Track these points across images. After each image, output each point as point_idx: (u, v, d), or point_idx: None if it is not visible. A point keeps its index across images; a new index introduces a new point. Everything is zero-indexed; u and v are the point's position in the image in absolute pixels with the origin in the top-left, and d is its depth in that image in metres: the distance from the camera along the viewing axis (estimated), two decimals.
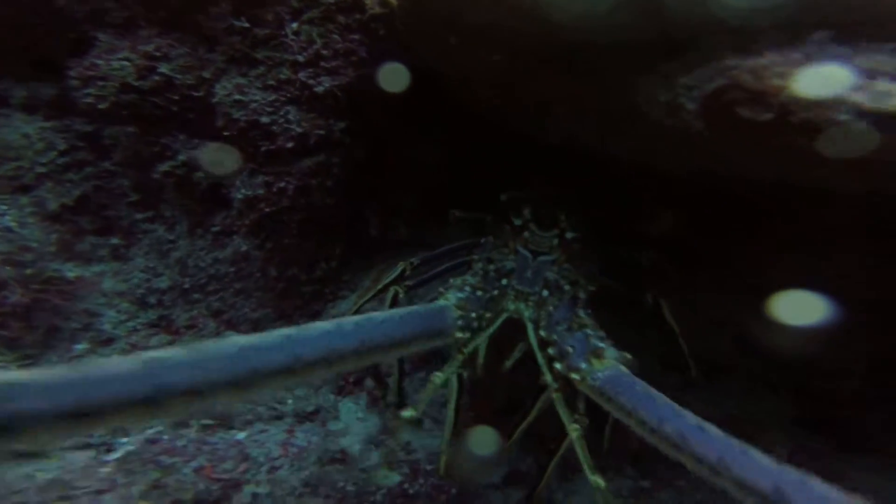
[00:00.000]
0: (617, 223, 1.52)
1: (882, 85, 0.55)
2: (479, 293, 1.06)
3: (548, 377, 0.99)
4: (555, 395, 0.99)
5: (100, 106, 1.49)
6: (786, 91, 0.59)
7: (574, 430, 0.94)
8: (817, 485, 0.55)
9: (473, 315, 1.01)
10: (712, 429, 0.65)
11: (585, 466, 0.93)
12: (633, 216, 1.47)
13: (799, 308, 1.05)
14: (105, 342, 1.64)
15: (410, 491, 1.39)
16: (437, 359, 1.81)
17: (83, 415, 0.44)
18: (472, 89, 1.43)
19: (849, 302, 0.96)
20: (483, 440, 1.32)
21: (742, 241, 1.34)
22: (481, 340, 1.05)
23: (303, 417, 1.61)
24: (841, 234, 1.11)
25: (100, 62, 1.47)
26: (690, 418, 0.68)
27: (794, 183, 0.83)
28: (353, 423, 1.70)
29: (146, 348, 1.67)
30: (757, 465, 0.59)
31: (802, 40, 0.60)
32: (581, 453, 0.93)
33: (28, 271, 1.47)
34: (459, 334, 0.97)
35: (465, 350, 1.01)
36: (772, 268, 1.26)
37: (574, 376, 0.89)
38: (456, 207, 1.88)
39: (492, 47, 1.16)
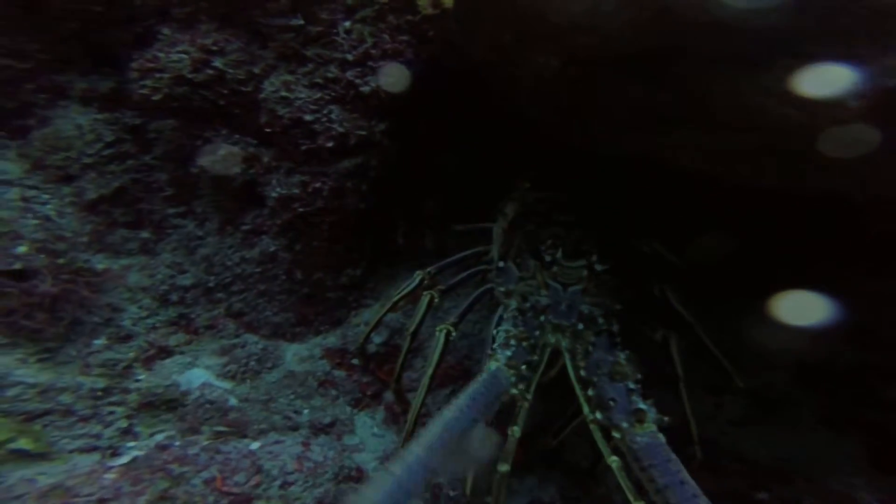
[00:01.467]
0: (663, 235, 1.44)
1: None
2: (524, 344, 1.09)
3: (585, 408, 1.00)
4: (592, 427, 0.98)
5: (153, 97, 1.51)
6: None
7: (613, 462, 0.93)
8: None
9: (524, 367, 1.05)
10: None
11: (629, 494, 0.91)
12: (690, 232, 1.38)
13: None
14: (123, 339, 1.59)
15: None
16: (463, 376, 1.72)
17: None
18: (516, 92, 1.39)
19: None
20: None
21: (814, 260, 1.22)
22: (535, 381, 1.07)
23: (318, 430, 1.52)
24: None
25: (160, 55, 1.50)
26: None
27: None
28: (369, 438, 1.60)
29: (163, 347, 1.62)
30: None
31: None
32: (623, 481, 0.91)
33: (60, 261, 1.45)
34: (514, 391, 1.01)
35: (528, 398, 1.04)
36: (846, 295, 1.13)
37: (615, 434, 0.92)
38: (481, 213, 1.84)
39: (547, 46, 1.12)
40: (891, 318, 1.14)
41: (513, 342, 1.07)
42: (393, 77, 1.52)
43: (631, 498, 0.90)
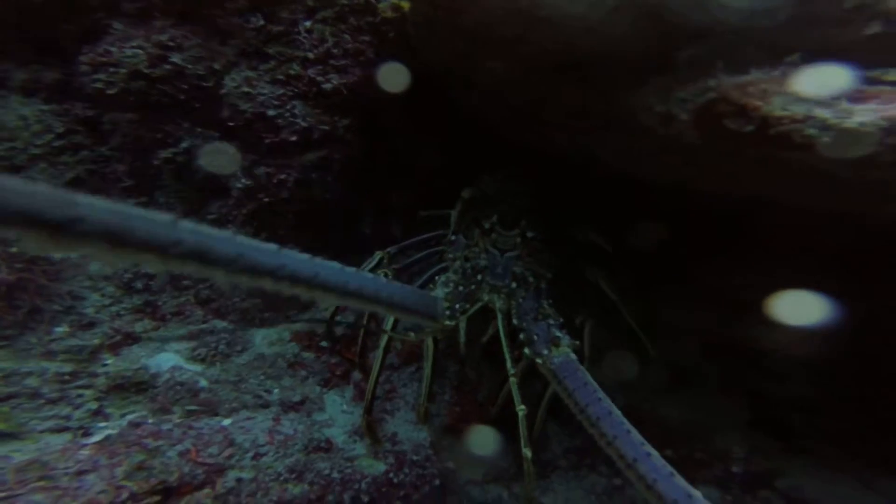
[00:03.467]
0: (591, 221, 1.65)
1: (844, 104, 0.66)
2: (461, 288, 1.26)
3: (508, 364, 1.18)
4: (511, 380, 1.18)
5: (108, 91, 1.53)
6: (765, 107, 0.70)
7: (520, 411, 1.15)
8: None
9: (458, 306, 1.20)
10: (620, 418, 0.84)
11: (523, 441, 1.16)
12: (615, 221, 1.59)
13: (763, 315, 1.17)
14: (86, 326, 1.61)
15: (395, 480, 1.41)
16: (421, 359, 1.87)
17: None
18: (472, 93, 1.53)
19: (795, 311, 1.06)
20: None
21: (713, 254, 1.46)
22: (461, 322, 1.24)
23: (288, 407, 1.62)
24: (807, 250, 1.23)
25: (113, 49, 1.51)
26: (607, 405, 0.88)
27: (769, 197, 0.93)
28: (338, 415, 1.71)
29: (129, 333, 1.66)
30: (658, 467, 0.76)
31: (781, 60, 0.72)
32: (522, 429, 1.16)
33: (13, 249, 1.46)
34: (447, 322, 1.16)
35: (448, 327, 1.19)
36: (739, 279, 1.38)
37: (537, 360, 1.08)
38: (445, 206, 1.98)
39: (496, 54, 1.27)
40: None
41: (451, 284, 1.24)
42: (355, 76, 1.63)
43: (524, 444, 1.14)
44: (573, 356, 1.04)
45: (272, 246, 0.63)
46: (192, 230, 0.54)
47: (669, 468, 0.78)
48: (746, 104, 0.72)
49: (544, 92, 1.26)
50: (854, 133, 0.64)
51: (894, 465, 1.33)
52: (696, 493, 0.73)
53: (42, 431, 1.18)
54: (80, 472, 1.06)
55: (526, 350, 1.13)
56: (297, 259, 0.66)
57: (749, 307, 1.46)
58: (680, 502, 0.73)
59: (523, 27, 1.06)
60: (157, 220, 0.51)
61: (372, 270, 1.62)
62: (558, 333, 1.11)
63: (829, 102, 0.67)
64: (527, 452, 1.16)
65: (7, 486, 0.95)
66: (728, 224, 1.40)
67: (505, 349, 1.19)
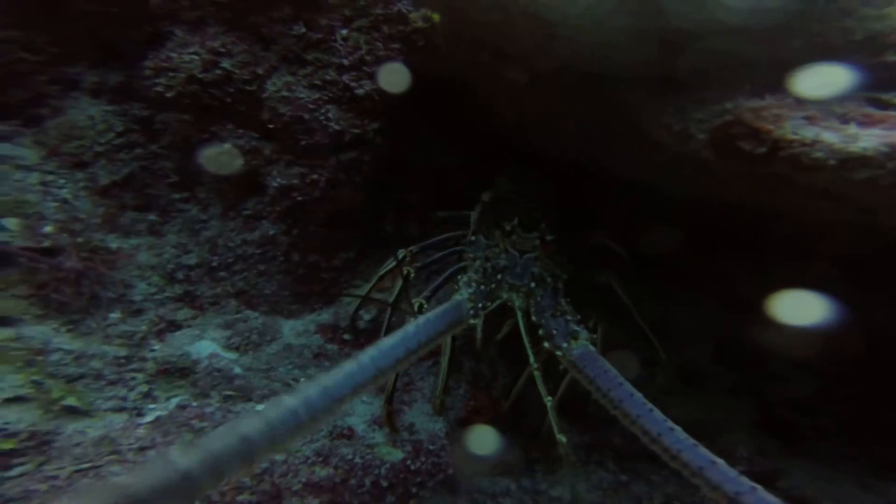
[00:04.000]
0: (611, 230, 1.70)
1: (853, 129, 0.70)
2: (483, 287, 1.34)
3: (531, 357, 1.25)
4: (535, 373, 1.24)
5: (167, 94, 1.66)
6: (777, 131, 0.74)
7: (548, 401, 1.22)
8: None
9: (480, 305, 1.29)
10: (642, 398, 0.88)
11: (554, 426, 1.23)
12: (628, 226, 1.63)
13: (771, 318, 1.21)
14: (135, 313, 1.77)
15: (413, 467, 1.51)
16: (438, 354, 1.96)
17: None
18: (493, 99, 1.60)
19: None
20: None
21: (723, 259, 1.49)
22: (480, 319, 1.30)
23: None
24: (816, 255, 1.25)
25: (173, 55, 1.65)
26: (629, 388, 0.93)
27: (779, 208, 0.97)
28: (358, 405, 1.82)
29: (172, 321, 1.81)
30: (682, 439, 0.79)
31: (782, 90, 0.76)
32: (553, 417, 1.24)
33: (79, 240, 1.62)
34: (473, 321, 1.25)
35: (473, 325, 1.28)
36: (748, 284, 1.40)
37: (558, 353, 1.16)
38: (462, 207, 2.06)
39: (516, 64, 1.33)
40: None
41: (474, 284, 1.32)
42: (391, 79, 1.71)
43: (555, 430, 1.21)
44: (591, 347, 1.12)
45: (349, 367, 0.79)
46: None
47: (692, 440, 0.83)
48: (760, 127, 0.76)
49: (558, 103, 1.31)
50: (859, 157, 0.68)
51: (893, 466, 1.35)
52: (720, 461, 0.78)
53: (105, 410, 1.34)
54: (142, 448, 1.21)
55: (546, 344, 1.20)
56: (363, 366, 0.82)
57: (758, 311, 1.49)
58: (706, 468, 0.78)
59: (539, 40, 1.12)
60: None
61: (394, 268, 1.72)
62: (576, 328, 1.19)
63: (837, 127, 0.71)
64: (561, 438, 1.24)
65: (89, 458, 1.09)
66: (738, 231, 1.43)
67: (526, 343, 1.26)
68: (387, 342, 0.91)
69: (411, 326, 0.97)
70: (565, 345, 1.13)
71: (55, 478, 1.00)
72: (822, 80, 0.77)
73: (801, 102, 0.80)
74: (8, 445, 1.04)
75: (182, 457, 0.59)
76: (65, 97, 1.81)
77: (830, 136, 0.69)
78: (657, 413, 0.91)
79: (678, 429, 0.86)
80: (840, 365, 1.36)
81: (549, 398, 1.19)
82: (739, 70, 0.86)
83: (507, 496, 1.76)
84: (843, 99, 0.75)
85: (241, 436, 0.64)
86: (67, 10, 1.69)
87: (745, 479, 0.75)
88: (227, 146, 1.78)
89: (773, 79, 0.84)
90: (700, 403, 1.58)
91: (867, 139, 0.67)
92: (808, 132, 0.71)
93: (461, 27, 1.35)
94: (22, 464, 1.03)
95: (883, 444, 1.38)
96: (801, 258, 1.29)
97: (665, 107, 0.94)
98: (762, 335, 1.39)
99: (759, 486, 0.73)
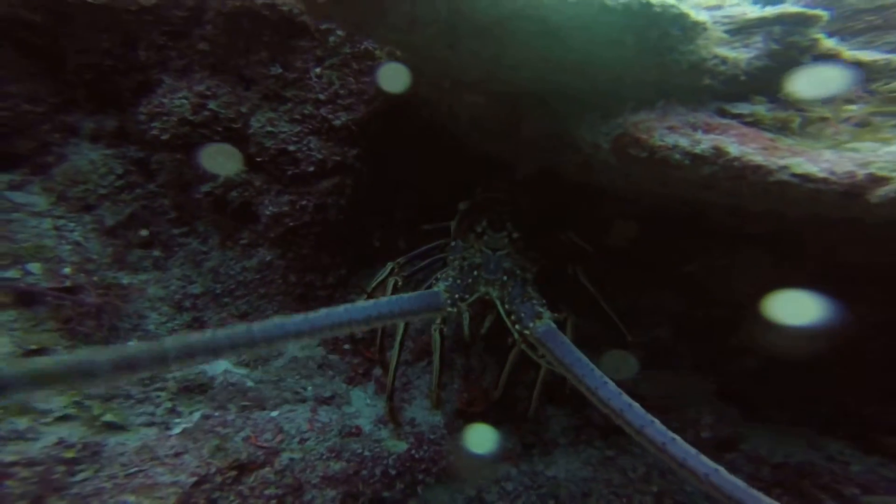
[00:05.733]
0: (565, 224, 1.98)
1: (699, 135, 0.97)
2: (459, 281, 1.57)
3: (515, 334, 1.45)
4: (522, 346, 1.46)
5: (162, 137, 1.93)
6: (650, 139, 1.02)
7: (542, 361, 1.43)
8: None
9: (457, 296, 1.51)
10: (598, 372, 1.06)
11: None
12: (592, 222, 1.92)
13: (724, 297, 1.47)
14: (150, 339, 2.02)
15: (417, 455, 1.77)
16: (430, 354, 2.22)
17: None
18: (458, 120, 1.88)
19: (752, 292, 1.37)
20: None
21: (676, 246, 1.77)
22: (463, 309, 1.54)
23: (321, 401, 2.00)
24: (747, 236, 1.53)
25: (165, 101, 1.91)
26: (587, 362, 1.11)
27: (690, 199, 1.24)
28: (364, 407, 2.08)
29: None
30: (616, 394, 1.01)
31: (653, 105, 1.04)
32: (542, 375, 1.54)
33: (95, 278, 1.87)
34: (449, 308, 1.47)
35: (452, 314, 1.50)
36: (700, 267, 1.68)
37: (525, 332, 1.36)
38: (442, 219, 2.33)
39: (474, 91, 1.61)
40: (727, 285, 1.69)
41: (450, 278, 1.55)
42: (360, 112, 1.99)
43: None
44: (553, 325, 1.32)
45: (329, 311, 1.00)
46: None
47: (636, 403, 1.00)
48: (639, 137, 1.03)
49: (515, 120, 1.59)
50: (700, 156, 0.95)
51: (834, 426, 1.63)
52: (635, 403, 0.98)
53: (139, 425, 1.58)
54: (178, 454, 1.45)
55: (516, 326, 1.41)
56: (336, 312, 1.03)
57: (711, 291, 1.77)
58: (645, 427, 0.96)
59: (489, 71, 1.39)
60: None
61: (385, 280, 1.96)
62: (540, 309, 1.39)
63: (689, 134, 0.98)
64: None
65: (135, 464, 1.34)
66: (683, 220, 1.71)
67: (508, 324, 1.48)
68: (363, 304, 1.09)
69: (387, 298, 1.16)
70: (531, 324, 1.33)
71: (115, 476, 1.25)
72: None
73: (665, 115, 1.08)
74: (69, 454, 1.29)
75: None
76: (66, 143, 2.06)
77: (683, 141, 0.95)
78: (612, 385, 1.06)
79: (632, 401, 1.01)
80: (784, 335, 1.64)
81: (543, 359, 1.37)
82: (623, 90, 1.14)
83: (509, 480, 2.01)
84: (696, 110, 1.02)
85: (239, 333, 0.89)
86: (66, 64, 1.96)
87: (687, 446, 0.89)
88: (220, 179, 2.05)
89: (646, 95, 1.12)
90: (666, 379, 1.84)
91: (705, 142, 0.94)
92: (669, 139, 0.98)
93: (421, 64, 1.63)
94: (83, 469, 1.27)
95: (827, 406, 1.65)
96: (733, 241, 1.57)
97: (581, 122, 1.22)
98: (717, 311, 1.67)
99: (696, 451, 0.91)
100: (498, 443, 1.99)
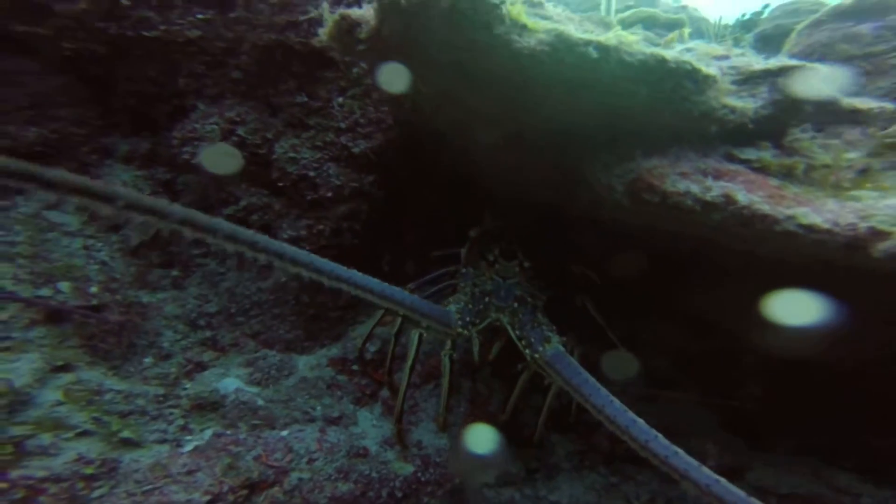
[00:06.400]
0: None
1: (709, 182, 1.04)
2: (470, 306, 1.64)
3: (527, 356, 1.50)
4: (534, 367, 1.48)
5: (192, 161, 2.02)
6: (663, 185, 1.08)
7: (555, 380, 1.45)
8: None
9: (468, 319, 1.58)
10: (606, 392, 1.10)
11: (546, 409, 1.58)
12: (599, 256, 1.97)
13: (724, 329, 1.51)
14: (165, 357, 2.07)
15: (423, 478, 1.78)
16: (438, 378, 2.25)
17: None
18: (472, 154, 1.96)
19: (745, 326, 1.41)
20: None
21: (678, 282, 1.82)
22: (474, 334, 1.59)
23: (330, 421, 2.02)
24: (734, 274, 1.58)
25: (197, 126, 2.01)
26: (594, 383, 1.16)
27: (700, 239, 1.29)
28: (370, 428, 2.10)
29: (199, 363, 2.11)
30: (634, 421, 1.04)
31: (664, 152, 1.11)
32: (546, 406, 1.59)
33: (118, 297, 1.94)
34: (460, 329, 1.54)
35: (462, 336, 1.56)
36: (700, 301, 1.73)
37: (535, 356, 1.41)
38: (451, 245, 2.39)
39: (488, 126, 1.69)
40: (728, 314, 1.73)
41: (462, 302, 1.61)
42: (378, 140, 2.08)
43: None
44: (562, 348, 1.38)
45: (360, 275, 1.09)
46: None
47: (640, 420, 1.05)
48: (652, 183, 1.09)
49: (525, 157, 1.66)
50: (710, 203, 1.01)
51: (839, 456, 1.63)
52: (640, 419, 1.03)
53: (152, 442, 1.62)
54: (191, 472, 1.48)
55: (526, 351, 1.46)
56: (358, 275, 1.13)
57: (711, 324, 1.81)
58: (650, 442, 1.01)
59: (506, 109, 1.47)
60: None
61: None
62: (549, 333, 1.45)
63: (699, 180, 1.05)
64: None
65: (149, 481, 1.37)
66: (686, 257, 1.77)
67: (520, 346, 1.52)
68: (376, 280, 1.16)
69: (401, 290, 1.22)
70: (541, 349, 1.39)
71: (134, 494, 1.28)
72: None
73: (678, 160, 1.15)
74: (89, 470, 1.32)
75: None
76: (101, 164, 2.16)
77: (694, 188, 1.02)
78: (618, 403, 1.12)
79: (638, 419, 1.06)
80: (787, 365, 1.67)
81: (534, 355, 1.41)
82: (637, 135, 1.21)
83: None
84: (706, 155, 1.09)
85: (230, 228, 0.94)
86: (116, 89, 2.08)
87: (689, 458, 0.95)
88: (242, 202, 2.13)
89: (659, 140, 1.19)
90: (670, 408, 1.87)
91: (715, 189, 1.00)
92: (682, 185, 1.04)
93: (438, 98, 1.72)
94: (100, 486, 1.31)
95: (829, 437, 1.67)
96: (734, 280, 1.63)
97: (596, 162, 1.28)
98: (717, 342, 1.71)
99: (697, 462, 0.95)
100: (502, 465, 1.99)
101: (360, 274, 1.14)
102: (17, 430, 1.30)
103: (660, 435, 1.10)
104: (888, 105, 1.23)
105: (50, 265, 1.86)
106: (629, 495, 1.82)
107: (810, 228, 0.91)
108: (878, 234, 0.87)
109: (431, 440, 1.95)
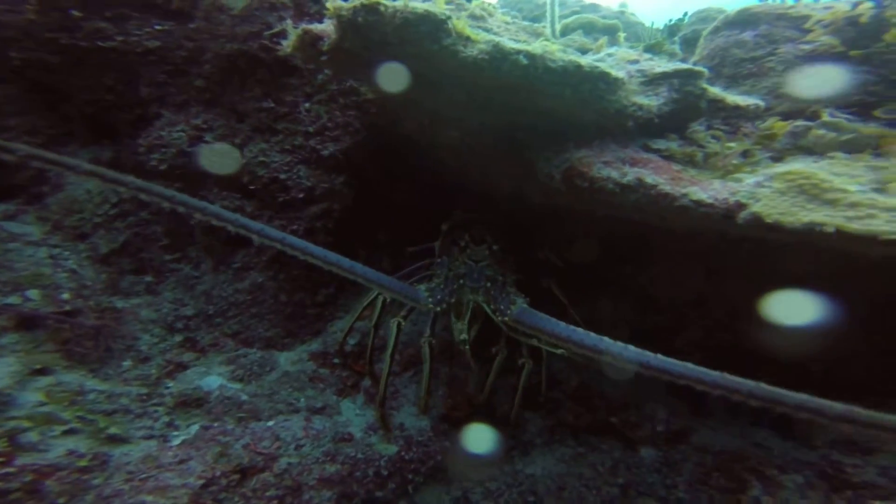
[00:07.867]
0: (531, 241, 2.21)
1: (626, 168, 1.23)
2: (442, 286, 1.76)
3: (499, 322, 1.64)
4: (504, 327, 1.63)
5: (161, 167, 2.06)
6: (590, 172, 1.26)
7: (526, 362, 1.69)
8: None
9: (439, 297, 1.69)
10: (571, 327, 1.24)
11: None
12: (559, 241, 2.16)
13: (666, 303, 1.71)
14: (144, 360, 2.09)
15: (406, 457, 1.90)
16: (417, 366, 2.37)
17: None
18: (438, 151, 2.10)
19: (685, 300, 1.61)
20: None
21: (626, 262, 2.03)
22: (449, 304, 1.72)
23: (314, 411, 2.11)
24: (685, 253, 1.80)
25: (163, 133, 2.06)
26: (558, 323, 1.29)
27: (634, 220, 1.48)
28: (353, 417, 2.20)
29: (180, 363, 2.14)
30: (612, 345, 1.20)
31: (591, 144, 1.31)
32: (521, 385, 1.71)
33: (91, 303, 1.95)
34: (430, 305, 1.66)
35: (439, 312, 1.70)
36: (646, 279, 1.95)
37: (505, 318, 1.56)
38: (423, 239, 2.52)
39: (448, 126, 1.84)
40: (664, 289, 1.96)
41: (433, 284, 1.75)
42: (346, 143, 2.19)
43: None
44: (526, 305, 1.54)
45: (335, 255, 1.17)
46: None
47: (606, 337, 1.14)
48: (582, 170, 1.28)
49: (485, 153, 1.83)
50: (627, 185, 1.20)
51: (760, 415, 1.88)
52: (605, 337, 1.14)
53: (139, 438, 1.65)
54: (183, 461, 1.54)
55: (496, 315, 1.60)
56: (332, 255, 1.25)
57: (656, 299, 2.03)
58: (624, 354, 1.11)
59: (461, 110, 1.63)
60: None
61: (374, 299, 2.14)
62: (515, 298, 1.62)
63: (619, 167, 1.24)
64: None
65: (143, 470, 1.42)
66: (627, 240, 1.98)
67: (497, 321, 1.64)
68: (345, 259, 1.28)
69: (367, 267, 1.35)
70: (509, 311, 1.53)
71: (131, 479, 1.32)
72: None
73: (602, 151, 1.34)
74: (82, 463, 1.36)
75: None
76: (62, 174, 2.17)
77: (614, 174, 1.21)
78: (581, 330, 1.21)
79: (606, 338, 1.14)
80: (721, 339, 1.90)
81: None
82: (569, 131, 1.40)
83: (493, 480, 2.15)
84: (625, 146, 1.28)
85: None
86: (71, 100, 2.09)
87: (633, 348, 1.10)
88: None
89: (587, 134, 1.37)
90: (630, 380, 2.07)
91: (630, 175, 1.20)
92: (605, 171, 1.23)
93: (401, 104, 1.86)
94: (96, 476, 1.34)
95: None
96: (673, 258, 1.84)
97: (540, 156, 1.46)
98: (661, 317, 1.92)
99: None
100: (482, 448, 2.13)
101: (333, 254, 1.25)
102: (8, 424, 1.32)
103: (618, 342, 1.18)
104: (761, 103, 1.48)
105: (15, 274, 1.86)
106: (595, 463, 2.00)
107: (699, 203, 1.12)
108: (740, 206, 1.09)
109: (413, 422, 2.07)
